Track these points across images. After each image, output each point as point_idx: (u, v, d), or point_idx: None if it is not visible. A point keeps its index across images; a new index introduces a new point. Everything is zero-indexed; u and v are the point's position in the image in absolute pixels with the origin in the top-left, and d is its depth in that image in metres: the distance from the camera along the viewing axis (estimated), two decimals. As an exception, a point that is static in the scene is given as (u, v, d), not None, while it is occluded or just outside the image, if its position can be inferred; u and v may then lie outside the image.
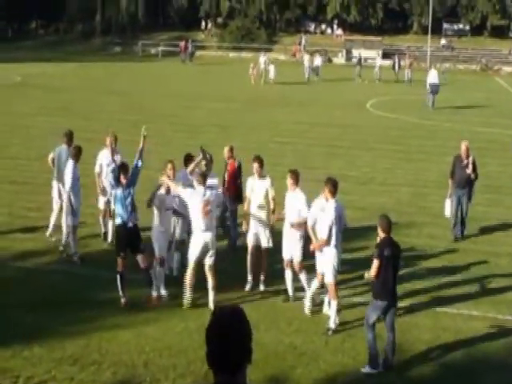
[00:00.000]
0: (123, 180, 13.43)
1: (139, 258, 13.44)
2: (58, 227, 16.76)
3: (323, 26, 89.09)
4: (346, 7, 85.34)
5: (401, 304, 13.61)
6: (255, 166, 14.68)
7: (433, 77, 42.16)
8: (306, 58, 58.11)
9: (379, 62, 58.40)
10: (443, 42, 79.68)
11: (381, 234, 11.47)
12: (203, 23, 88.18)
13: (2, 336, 11.95)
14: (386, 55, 73.26)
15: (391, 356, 11.31)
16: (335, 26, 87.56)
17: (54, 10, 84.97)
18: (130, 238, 13.36)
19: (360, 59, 59.77)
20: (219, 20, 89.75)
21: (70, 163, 15.77)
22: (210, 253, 13.19)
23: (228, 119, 35.12)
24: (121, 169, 13.79)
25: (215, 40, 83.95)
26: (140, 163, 13.64)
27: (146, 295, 13.53)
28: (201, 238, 13.08)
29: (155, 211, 13.89)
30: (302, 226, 13.58)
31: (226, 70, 55.06)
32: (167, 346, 11.78)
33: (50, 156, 17.76)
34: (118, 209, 13.45)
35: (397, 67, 58.53)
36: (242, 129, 32.25)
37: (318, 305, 13.39)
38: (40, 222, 18.18)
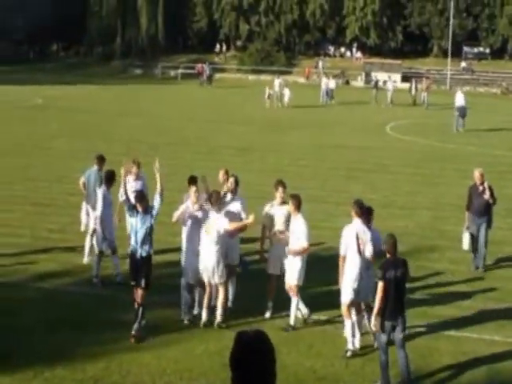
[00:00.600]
0: (139, 208, 13.23)
1: (138, 291, 13.07)
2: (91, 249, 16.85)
3: (342, 49, 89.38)
4: (366, 30, 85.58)
5: (421, 329, 13.57)
6: (280, 190, 14.10)
7: (460, 99, 42.12)
8: (324, 81, 57.85)
9: (391, 85, 57.05)
10: (463, 65, 79.64)
11: (387, 255, 11.54)
12: (218, 46, 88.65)
13: (24, 357, 11.98)
14: (405, 78, 73.34)
15: (406, 374, 11.26)
16: (354, 49, 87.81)
17: (75, 32, 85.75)
18: (137, 267, 13.14)
19: (376, 82, 59.36)
20: (238, 43, 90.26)
21: (102, 188, 15.79)
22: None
23: (247, 141, 35.20)
24: (136, 197, 13.51)
25: (235, 63, 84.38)
26: (159, 201, 13.26)
27: (134, 332, 12.86)
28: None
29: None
30: (300, 252, 13.47)
31: (245, 93, 55.20)
32: (188, 368, 11.76)
33: (81, 180, 17.78)
34: (131, 236, 13.39)
35: (413, 90, 58.03)
36: (261, 152, 32.28)
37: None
38: (61, 244, 18.29)
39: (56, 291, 15.19)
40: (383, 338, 11.29)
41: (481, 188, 17.36)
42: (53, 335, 12.82)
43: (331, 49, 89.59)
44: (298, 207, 13.47)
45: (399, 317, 11.31)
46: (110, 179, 15.92)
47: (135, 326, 12.80)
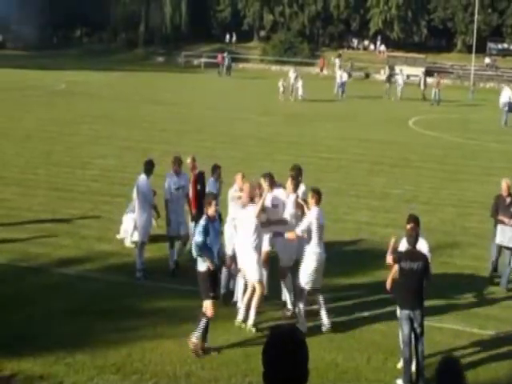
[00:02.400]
0: (211, 213, 12.29)
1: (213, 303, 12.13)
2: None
3: (366, 42, 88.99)
4: (389, 23, 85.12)
5: (443, 325, 13.49)
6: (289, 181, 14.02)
7: (506, 95, 41.86)
8: (338, 74, 56.17)
9: (401, 79, 55.69)
10: (487, 60, 79.07)
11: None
12: (227, 36, 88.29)
13: (46, 342, 12.03)
14: (428, 73, 72.88)
15: (421, 369, 11.24)
16: (378, 43, 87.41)
17: (99, 18, 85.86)
18: (216, 278, 12.48)
19: (389, 76, 57.99)
20: (262, 33, 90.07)
21: (142, 178, 15.64)
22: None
23: (270, 133, 35.11)
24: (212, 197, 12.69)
25: (258, 53, 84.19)
26: None
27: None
28: None
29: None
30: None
31: (268, 84, 54.79)
32: (209, 358, 11.75)
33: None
34: (209, 242, 12.13)
35: (422, 85, 56.08)
36: (282, 143, 32.19)
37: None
38: (83, 230, 18.34)
39: (79, 277, 15.22)
40: (405, 329, 11.24)
41: (508, 200, 15.99)
42: (75, 321, 12.85)
43: (355, 41, 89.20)
44: (318, 201, 13.23)
45: (416, 309, 11.28)
46: (149, 168, 15.69)
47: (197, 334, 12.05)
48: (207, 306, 11.90)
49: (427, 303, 14.39)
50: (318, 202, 13.15)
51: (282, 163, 25.70)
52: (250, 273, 13.10)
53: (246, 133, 34.70)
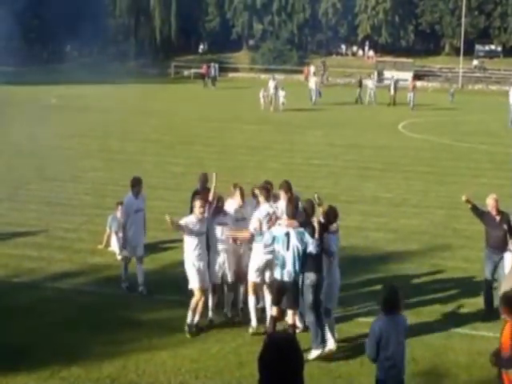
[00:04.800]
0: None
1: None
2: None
3: (354, 48, 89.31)
4: (377, 29, 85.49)
5: (436, 327, 13.62)
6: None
7: None
8: (313, 80, 55.70)
9: (372, 84, 55.52)
10: (475, 63, 79.46)
11: None
12: (201, 46, 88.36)
13: (41, 356, 12.11)
14: (417, 77, 73.18)
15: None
16: (366, 48, 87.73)
17: (89, 32, 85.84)
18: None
19: (361, 81, 57.31)
20: (251, 42, 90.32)
21: (128, 195, 15.60)
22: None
23: (260, 141, 35.26)
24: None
25: (247, 62, 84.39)
26: None
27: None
28: None
29: None
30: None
31: (256, 92, 54.63)
32: (203, 367, 11.85)
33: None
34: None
35: (392, 90, 54.31)
36: (274, 151, 32.35)
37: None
38: (76, 243, 18.43)
39: (72, 291, 15.30)
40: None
41: (498, 218, 14.40)
42: (69, 335, 12.93)
43: (343, 47, 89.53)
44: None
45: None
46: (133, 185, 15.56)
47: None
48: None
49: (419, 305, 14.59)
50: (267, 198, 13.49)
51: (273, 171, 25.88)
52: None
53: (236, 142, 34.83)
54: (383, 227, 20.48)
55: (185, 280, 13.54)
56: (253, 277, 13.31)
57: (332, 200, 22.67)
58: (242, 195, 13.98)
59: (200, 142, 34.48)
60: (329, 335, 12.61)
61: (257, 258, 13.21)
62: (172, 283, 15.22)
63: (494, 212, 14.44)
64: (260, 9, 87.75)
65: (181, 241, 14.66)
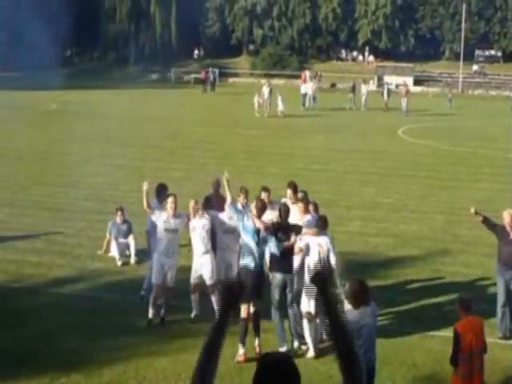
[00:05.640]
0: None
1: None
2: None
3: (355, 53, 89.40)
4: (378, 34, 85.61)
5: (436, 333, 13.60)
6: (288, 192, 14.09)
7: None
8: (310, 86, 55.15)
9: (365, 89, 55.01)
10: (475, 68, 79.55)
11: None
12: (196, 51, 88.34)
13: (40, 362, 12.10)
14: (417, 82, 73.36)
15: None
16: (366, 53, 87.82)
17: (89, 37, 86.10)
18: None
19: (354, 86, 56.58)
20: (251, 47, 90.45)
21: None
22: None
23: (259, 146, 35.28)
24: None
25: (247, 67, 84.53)
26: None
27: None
28: None
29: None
30: None
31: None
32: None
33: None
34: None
35: (385, 95, 54.10)
36: (273, 156, 32.37)
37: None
38: (76, 249, 18.43)
39: (72, 296, 15.29)
40: None
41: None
42: (69, 341, 12.91)
43: (343, 53, 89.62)
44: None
45: None
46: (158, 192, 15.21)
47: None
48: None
49: (419, 311, 14.59)
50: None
51: (273, 176, 25.90)
52: None
53: (235, 147, 34.84)
54: (383, 232, 20.47)
55: (183, 284, 13.56)
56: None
57: (332, 205, 22.81)
58: (247, 198, 14.22)
59: (200, 147, 34.49)
60: (309, 342, 12.77)
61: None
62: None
63: (508, 228, 13.67)
64: (260, 14, 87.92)
65: (180, 246, 14.68)
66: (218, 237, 14.24)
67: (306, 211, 13.62)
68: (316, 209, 14.10)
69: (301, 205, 13.61)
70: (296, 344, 12.99)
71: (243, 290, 4.35)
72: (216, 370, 4.23)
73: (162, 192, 15.05)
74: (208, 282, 13.91)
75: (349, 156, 32.87)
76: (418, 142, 38.08)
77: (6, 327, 13.46)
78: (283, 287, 12.78)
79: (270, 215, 13.47)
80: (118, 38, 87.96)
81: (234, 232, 13.80)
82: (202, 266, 13.95)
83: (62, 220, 21.05)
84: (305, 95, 54.12)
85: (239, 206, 13.72)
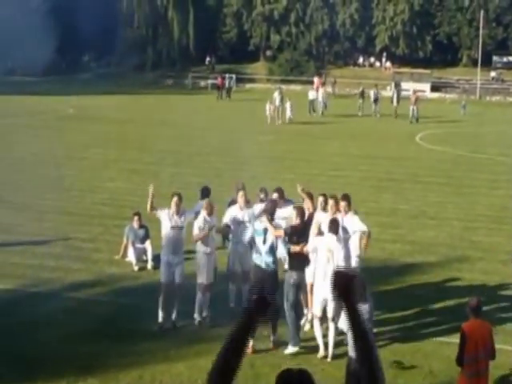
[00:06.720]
0: None
1: None
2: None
3: (372, 59, 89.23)
4: (395, 40, 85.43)
5: (455, 340, 13.50)
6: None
7: None
8: (320, 92, 54.83)
9: (375, 95, 54.22)
10: (493, 74, 79.19)
11: None
12: (208, 58, 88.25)
13: (57, 366, 12.13)
14: (434, 88, 73.10)
15: None
16: (384, 59, 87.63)
17: (106, 42, 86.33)
18: None
19: (362, 92, 55.80)
20: (268, 53, 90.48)
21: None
22: None
23: (276, 152, 35.25)
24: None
25: (264, 73, 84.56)
26: None
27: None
28: None
29: None
30: None
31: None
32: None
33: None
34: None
35: (395, 101, 53.07)
36: (291, 161, 32.35)
37: None
38: (94, 254, 18.48)
39: (89, 301, 15.35)
40: None
41: None
42: (85, 345, 12.95)
43: (361, 59, 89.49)
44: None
45: None
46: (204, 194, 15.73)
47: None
48: None
49: (436, 318, 14.52)
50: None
51: (289, 182, 25.84)
52: None
53: (252, 153, 34.80)
54: (400, 239, 20.41)
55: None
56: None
57: (349, 211, 22.76)
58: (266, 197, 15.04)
59: (216, 152, 34.51)
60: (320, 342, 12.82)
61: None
62: (187, 293, 15.26)
63: None
64: (278, 20, 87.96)
65: (193, 252, 14.73)
66: (233, 231, 14.60)
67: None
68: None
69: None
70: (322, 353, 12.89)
71: (270, 304, 4.33)
72: (238, 370, 4.18)
73: (205, 194, 15.59)
74: (206, 281, 14.10)
75: (366, 162, 32.80)
76: (435, 148, 37.95)
77: (25, 331, 13.51)
78: (298, 287, 12.89)
79: (285, 213, 13.94)
80: (135, 43, 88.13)
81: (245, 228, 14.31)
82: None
83: (80, 225, 21.12)
84: (312, 101, 53.98)
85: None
